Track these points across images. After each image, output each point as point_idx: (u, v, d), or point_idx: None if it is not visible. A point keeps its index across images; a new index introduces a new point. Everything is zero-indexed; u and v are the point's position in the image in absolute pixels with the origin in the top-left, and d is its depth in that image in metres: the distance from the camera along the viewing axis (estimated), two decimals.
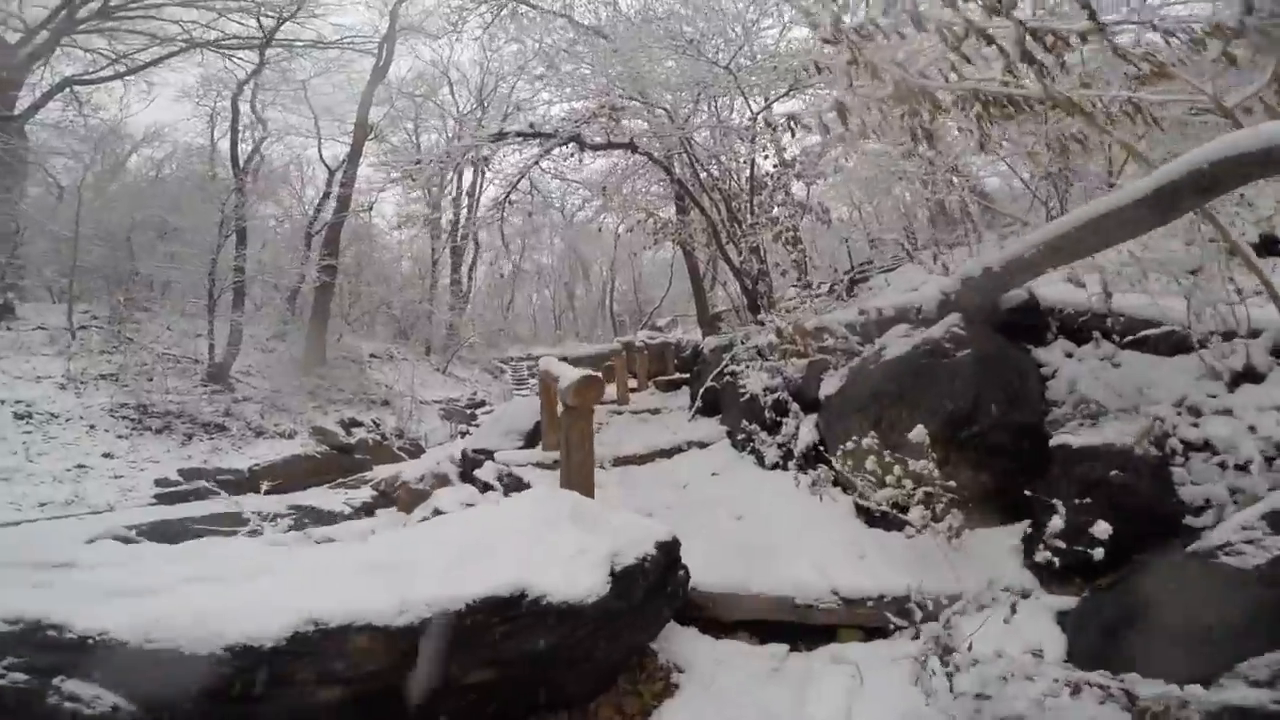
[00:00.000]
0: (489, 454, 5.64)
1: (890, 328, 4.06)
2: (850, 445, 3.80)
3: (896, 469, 3.27)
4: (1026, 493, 2.80)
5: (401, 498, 6.26)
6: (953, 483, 3.02)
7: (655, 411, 7.41)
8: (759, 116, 7.96)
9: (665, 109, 7.81)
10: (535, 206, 16.25)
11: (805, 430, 4.47)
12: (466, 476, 5.79)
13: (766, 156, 7.57)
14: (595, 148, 7.09)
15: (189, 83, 16.77)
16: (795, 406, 4.62)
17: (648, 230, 8.90)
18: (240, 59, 15.63)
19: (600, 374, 3.78)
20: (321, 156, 17.51)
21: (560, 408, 4.04)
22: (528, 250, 28.79)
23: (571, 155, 7.26)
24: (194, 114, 17.21)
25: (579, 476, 3.77)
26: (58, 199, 15.72)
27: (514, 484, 5.04)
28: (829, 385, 4.51)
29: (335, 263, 14.95)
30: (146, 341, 13.09)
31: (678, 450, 5.55)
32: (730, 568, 3.23)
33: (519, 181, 7.50)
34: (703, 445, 5.57)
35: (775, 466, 4.66)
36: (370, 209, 15.33)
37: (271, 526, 5.83)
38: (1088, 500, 2.61)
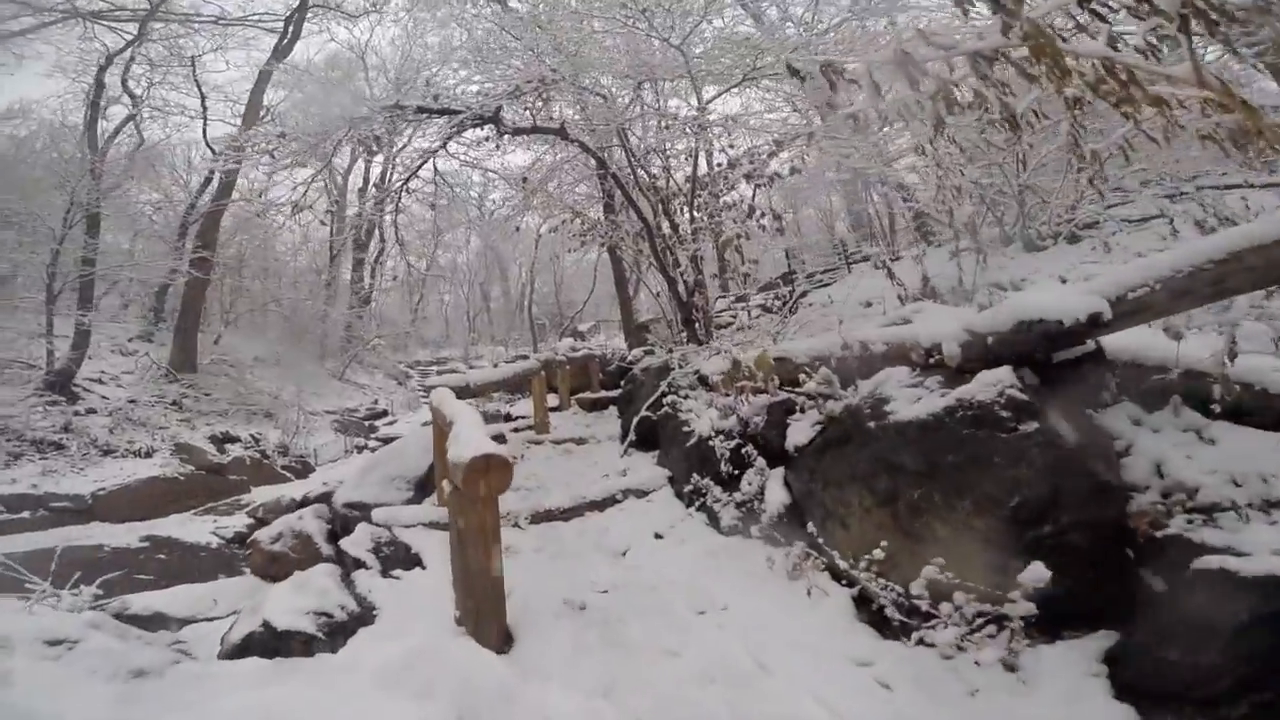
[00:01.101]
0: (366, 509, 4.35)
1: (880, 366, 3.17)
2: (845, 522, 2.90)
3: (929, 571, 2.36)
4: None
5: (254, 560, 4.84)
6: (1014, 595, 2.15)
7: (580, 441, 6.29)
8: (705, 108, 7.06)
9: (602, 95, 6.72)
10: (445, 199, 14.69)
11: (774, 490, 3.52)
12: (336, 535, 4.46)
13: (713, 152, 6.66)
14: (518, 131, 5.91)
15: (67, 59, 14.07)
16: (759, 460, 3.66)
17: (573, 232, 7.78)
18: (126, 33, 13.16)
19: (502, 453, 2.63)
20: (206, 139, 15.12)
21: (448, 486, 2.89)
22: (441, 248, 26.83)
23: (487, 140, 6.05)
24: (68, 90, 14.40)
25: (478, 599, 2.66)
26: None
27: (397, 557, 3.80)
28: (798, 433, 3.58)
29: (209, 255, 12.84)
30: None
31: (611, 501, 4.48)
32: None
33: (419, 168, 6.21)
34: (641, 494, 4.53)
35: (734, 531, 3.69)
36: (261, 197, 13.23)
37: (71, 597, 4.28)
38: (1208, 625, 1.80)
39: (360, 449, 13.29)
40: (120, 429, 10.46)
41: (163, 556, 8.03)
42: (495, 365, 22.08)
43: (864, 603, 2.78)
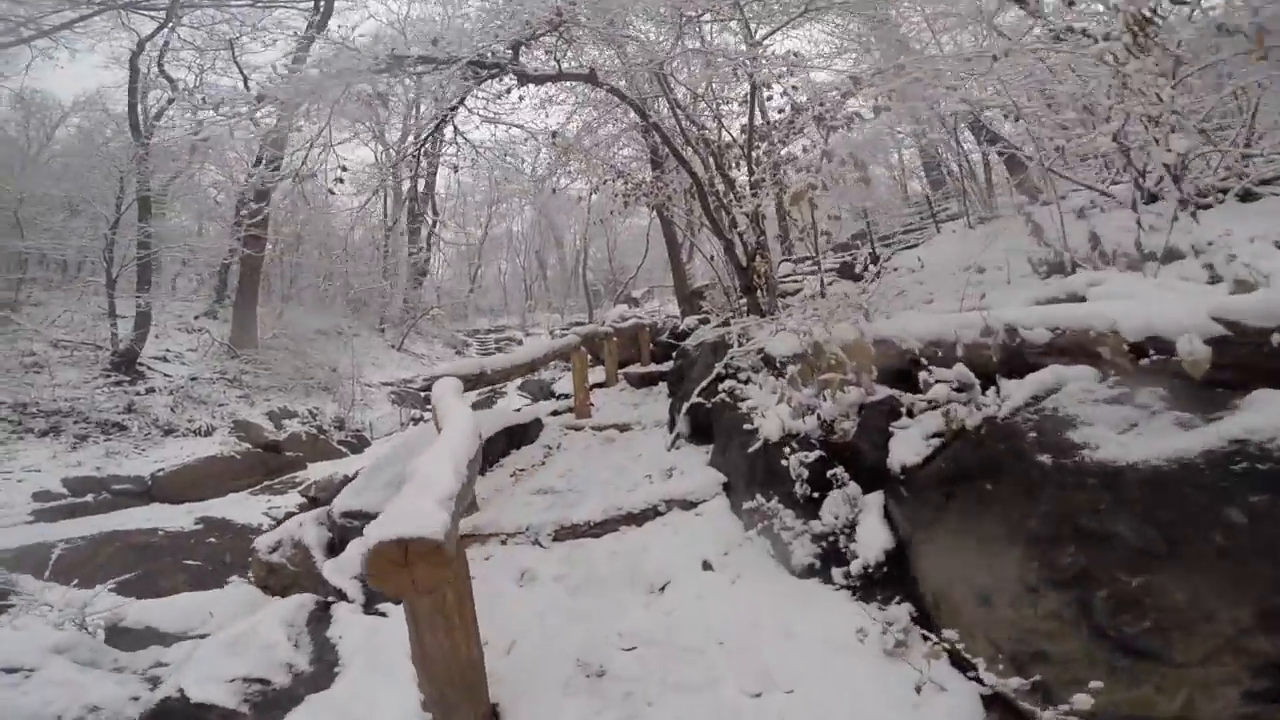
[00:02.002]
0: (366, 519, 3.61)
1: (1039, 362, 2.11)
2: (987, 597, 1.89)
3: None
4: None
5: (255, 569, 4.23)
6: None
7: (624, 428, 5.41)
8: (763, 44, 5.86)
9: (637, 38, 5.62)
10: (468, 162, 13.78)
11: (870, 527, 2.55)
12: (336, 547, 3.75)
13: (772, 98, 5.48)
14: (541, 79, 4.90)
15: (120, 50, 13.86)
16: (850, 484, 2.67)
17: (616, 192, 6.76)
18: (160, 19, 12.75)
19: (433, 535, 1.71)
20: (254, 120, 14.69)
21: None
22: (496, 217, 26.23)
23: (508, 92, 5.09)
24: (115, 81, 14.20)
25: (442, 686, 1.88)
26: None
27: None
28: (906, 447, 2.57)
29: (261, 233, 12.49)
30: (38, 326, 10.64)
31: (653, 513, 3.59)
32: None
33: (437, 128, 5.28)
34: (689, 505, 3.62)
35: (809, 572, 2.75)
36: (312, 174, 12.70)
37: (58, 611, 3.79)
38: None
39: (416, 421, 12.93)
40: (181, 407, 10.32)
41: (213, 540, 7.78)
42: (550, 332, 21.53)
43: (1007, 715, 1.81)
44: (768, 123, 5.46)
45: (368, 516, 3.70)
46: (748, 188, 5.25)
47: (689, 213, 6.49)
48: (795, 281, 7.08)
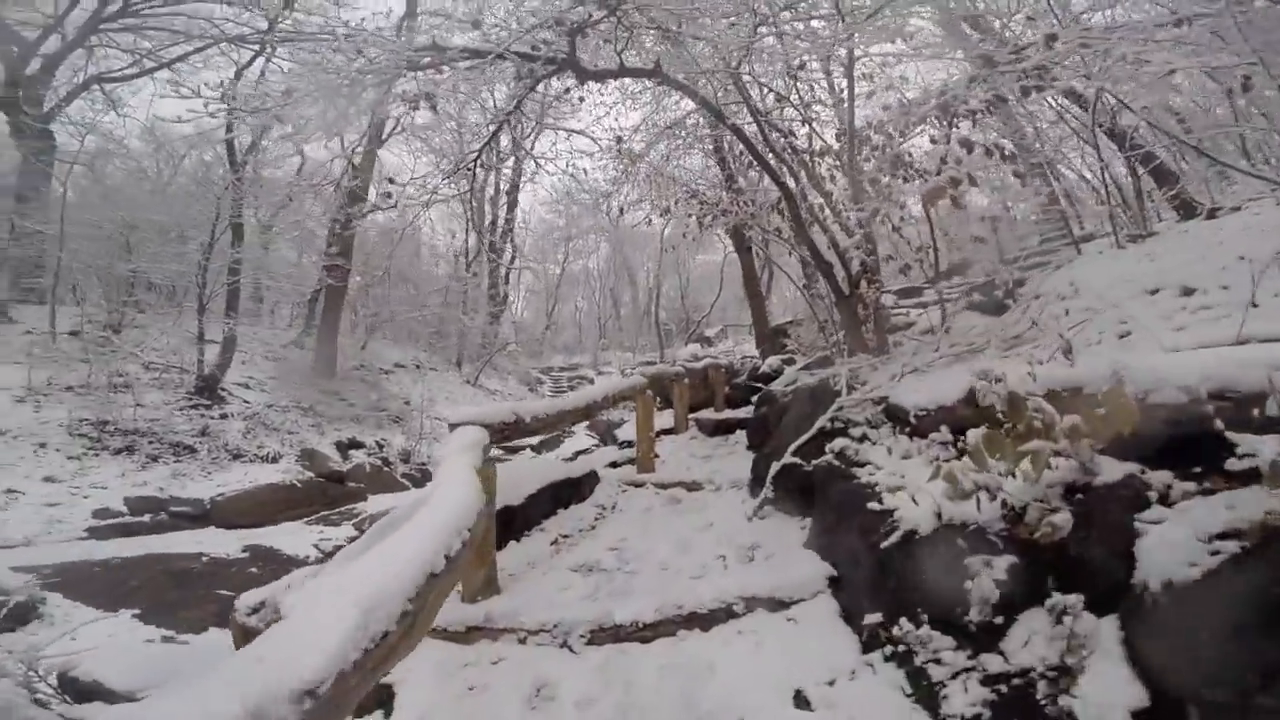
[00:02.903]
0: None
1: None
2: None
3: None
4: None
5: (233, 630, 3.46)
6: None
7: (693, 487, 4.40)
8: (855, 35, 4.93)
9: (703, 38, 4.82)
10: (576, 203, 13.43)
11: (1103, 675, 1.46)
12: None
13: (873, 92, 4.53)
14: (601, 75, 4.15)
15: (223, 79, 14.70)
16: (1068, 598, 1.59)
17: (689, 213, 5.91)
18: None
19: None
20: (343, 145, 15.03)
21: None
22: (572, 254, 26.15)
23: (567, 93, 4.40)
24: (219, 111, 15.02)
25: None
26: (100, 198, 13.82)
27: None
28: (1167, 552, 1.48)
29: (345, 263, 12.51)
30: (133, 348, 10.88)
31: (726, 615, 2.57)
32: None
33: (494, 136, 4.63)
34: (778, 605, 2.58)
35: None
36: (394, 204, 12.72)
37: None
38: None
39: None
40: (253, 433, 10.15)
41: (255, 570, 7.24)
42: (621, 371, 20.84)
43: None
44: (869, 123, 4.47)
45: None
46: (848, 200, 4.26)
47: (775, 233, 5.51)
48: (901, 315, 5.93)
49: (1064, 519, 1.72)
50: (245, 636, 3.28)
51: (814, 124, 5.09)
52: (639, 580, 2.99)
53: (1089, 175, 8.49)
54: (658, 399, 8.51)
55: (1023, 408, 1.68)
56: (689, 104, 5.63)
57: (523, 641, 2.65)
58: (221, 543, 7.68)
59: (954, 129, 3.77)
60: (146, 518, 8.01)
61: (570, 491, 4.25)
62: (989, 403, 1.81)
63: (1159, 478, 1.68)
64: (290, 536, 8.25)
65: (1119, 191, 6.11)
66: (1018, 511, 1.85)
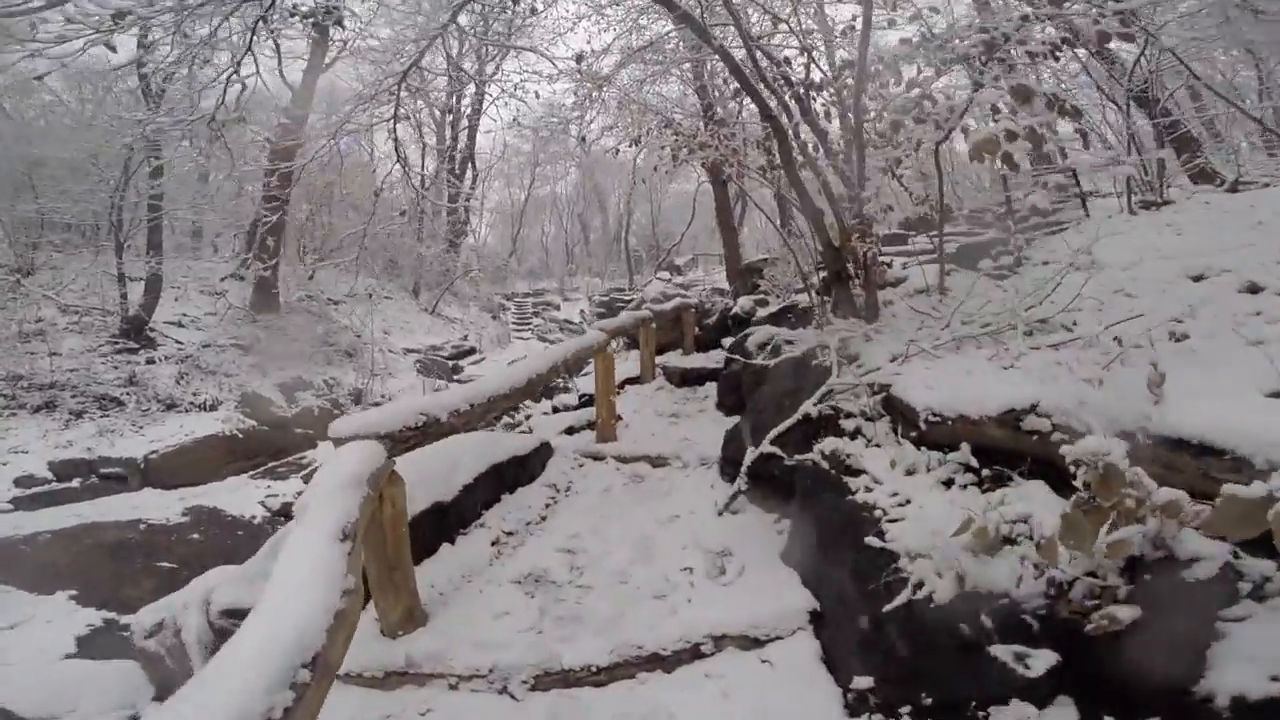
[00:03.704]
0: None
1: None
2: None
3: None
4: None
5: (136, 655, 3.02)
6: None
7: (659, 463, 3.96)
8: None
9: None
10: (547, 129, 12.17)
11: None
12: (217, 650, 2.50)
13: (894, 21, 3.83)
14: None
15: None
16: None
17: (663, 144, 5.19)
18: None
19: None
20: (281, 72, 13.30)
21: None
22: (541, 179, 24.66)
23: (515, 3, 3.55)
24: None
25: None
26: None
27: None
28: (1251, 663, 1.02)
29: (282, 193, 11.34)
30: (46, 291, 9.79)
31: (692, 655, 2.18)
32: None
33: (422, 55, 3.82)
34: (750, 644, 2.20)
35: None
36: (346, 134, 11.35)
37: None
38: None
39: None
40: (187, 379, 9.36)
41: (197, 536, 6.73)
42: (589, 298, 20.11)
43: None
44: (880, 58, 3.75)
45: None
46: (850, 141, 3.62)
47: (759, 172, 4.86)
48: (885, 263, 5.41)
49: (1129, 613, 1.32)
50: (147, 661, 2.82)
51: (813, 54, 4.34)
52: (592, 599, 2.57)
53: (1110, 136, 7.93)
54: (624, 341, 7.96)
55: (1119, 485, 1.23)
56: (667, 24, 4.82)
57: (454, 687, 2.24)
58: (159, 506, 7.09)
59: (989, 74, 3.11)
60: (75, 483, 7.34)
61: (517, 470, 3.73)
62: (1078, 469, 1.33)
63: (1258, 566, 1.27)
64: (234, 494, 7.71)
65: (1138, 153, 5.57)
66: (1064, 588, 1.44)
